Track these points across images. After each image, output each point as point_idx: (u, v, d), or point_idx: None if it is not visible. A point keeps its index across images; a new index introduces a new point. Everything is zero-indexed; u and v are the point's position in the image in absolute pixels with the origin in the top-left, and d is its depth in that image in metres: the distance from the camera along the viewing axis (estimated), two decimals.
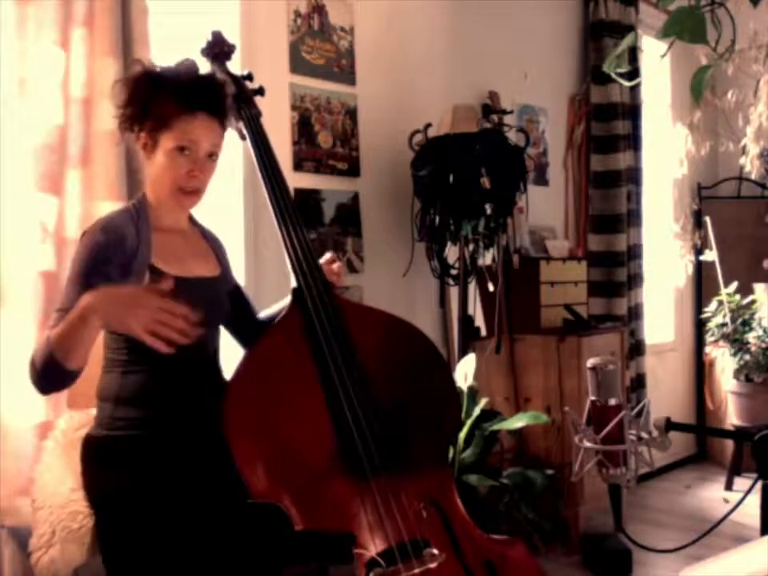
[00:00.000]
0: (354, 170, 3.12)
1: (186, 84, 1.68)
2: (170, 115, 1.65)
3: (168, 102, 1.65)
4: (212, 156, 1.71)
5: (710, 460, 4.88)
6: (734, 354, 4.22)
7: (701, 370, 5.00)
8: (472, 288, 3.24)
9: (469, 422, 2.69)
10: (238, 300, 1.92)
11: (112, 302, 1.43)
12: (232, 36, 2.06)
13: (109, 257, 1.60)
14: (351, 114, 3.11)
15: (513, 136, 3.30)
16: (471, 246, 3.08)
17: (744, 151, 4.17)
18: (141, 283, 1.60)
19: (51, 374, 1.50)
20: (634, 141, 4.35)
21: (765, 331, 4.19)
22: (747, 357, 4.17)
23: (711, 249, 4.70)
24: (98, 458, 1.67)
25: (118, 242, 1.62)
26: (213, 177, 1.75)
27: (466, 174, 2.94)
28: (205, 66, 1.92)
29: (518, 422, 2.83)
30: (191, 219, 1.85)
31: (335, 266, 1.88)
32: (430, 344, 1.84)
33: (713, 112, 4.56)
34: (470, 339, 3.21)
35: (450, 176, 2.94)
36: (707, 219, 4.79)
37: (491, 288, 3.15)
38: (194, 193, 1.71)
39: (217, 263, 1.83)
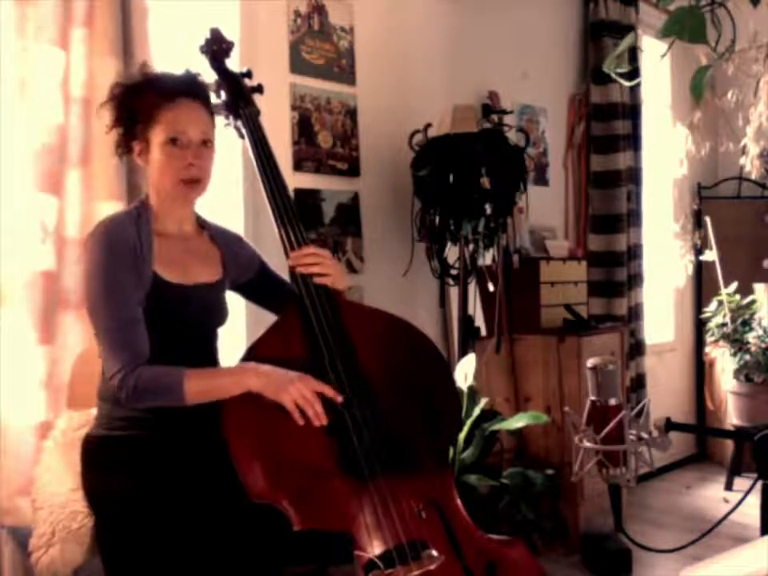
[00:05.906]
0: (354, 170, 3.12)
1: (163, 78, 1.74)
2: (153, 108, 1.67)
3: (148, 97, 1.68)
4: (206, 143, 1.72)
5: (709, 460, 4.87)
6: (734, 354, 4.21)
7: (701, 370, 4.99)
8: (472, 288, 3.24)
9: (469, 422, 2.69)
10: (265, 281, 1.95)
11: (273, 380, 1.57)
12: (232, 36, 2.06)
13: (123, 251, 1.62)
14: (351, 114, 3.11)
15: (513, 136, 3.30)
16: (471, 246, 3.08)
17: (744, 151, 4.16)
18: (145, 288, 1.62)
19: (157, 404, 1.59)
20: (633, 141, 4.34)
21: (765, 331, 4.19)
22: (747, 357, 4.16)
23: (711, 249, 4.69)
24: (97, 457, 1.67)
25: (124, 241, 1.63)
26: (213, 165, 1.75)
27: (466, 173, 2.94)
28: (204, 65, 1.92)
29: (517, 422, 2.83)
30: (199, 221, 1.84)
31: (305, 251, 1.75)
32: (430, 344, 1.84)
33: (713, 112, 4.55)
34: (470, 339, 3.20)
35: (450, 176, 2.94)
36: (707, 219, 4.79)
37: (491, 288, 3.15)
38: (196, 182, 1.71)
39: (220, 267, 1.82)
